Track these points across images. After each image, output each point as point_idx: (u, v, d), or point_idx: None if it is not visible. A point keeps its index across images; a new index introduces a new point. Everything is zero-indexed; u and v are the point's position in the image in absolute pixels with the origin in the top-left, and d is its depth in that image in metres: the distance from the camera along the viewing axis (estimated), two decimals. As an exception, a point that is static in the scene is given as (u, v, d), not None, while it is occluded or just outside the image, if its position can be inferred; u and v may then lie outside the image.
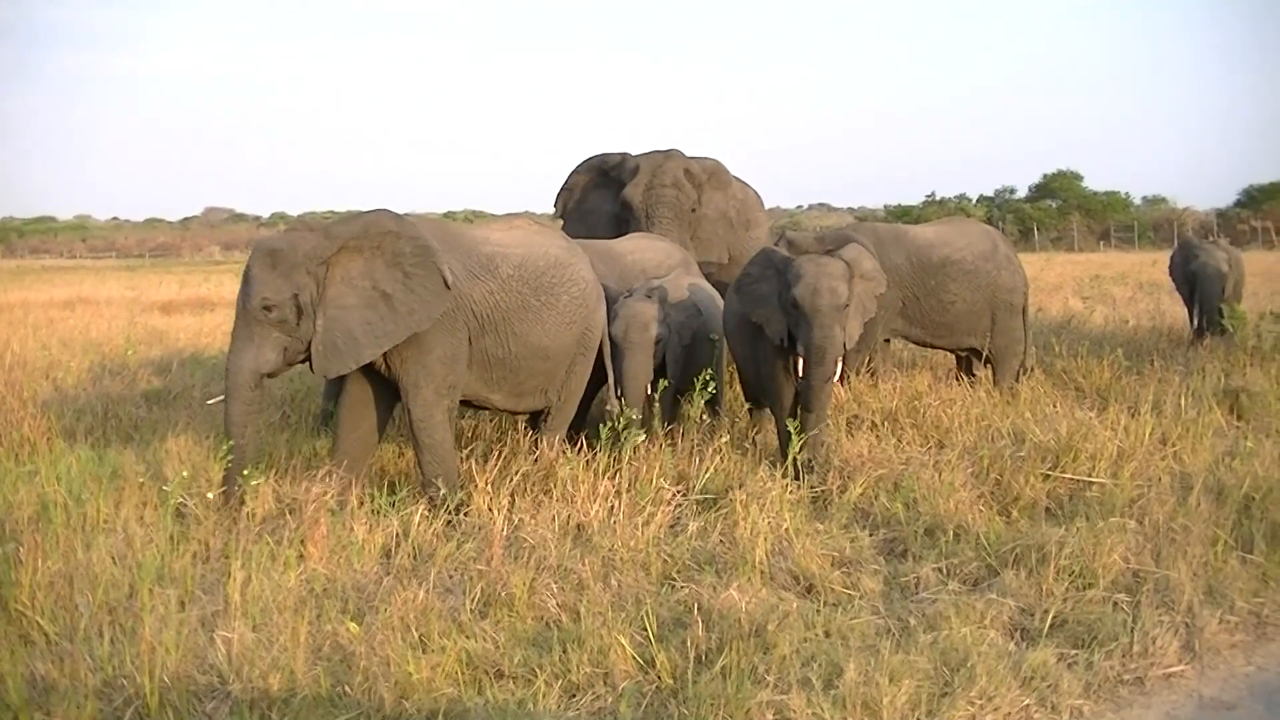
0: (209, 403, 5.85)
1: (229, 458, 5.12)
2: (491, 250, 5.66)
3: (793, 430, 5.77)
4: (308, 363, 5.27)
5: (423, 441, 5.44)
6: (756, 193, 10.01)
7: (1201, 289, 9.67)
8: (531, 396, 5.99)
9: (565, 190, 9.71)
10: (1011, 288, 7.95)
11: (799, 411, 5.97)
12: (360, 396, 5.56)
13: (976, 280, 7.79)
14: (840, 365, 5.99)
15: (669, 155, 9.22)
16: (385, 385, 5.55)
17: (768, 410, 6.79)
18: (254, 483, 5.09)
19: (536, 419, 6.35)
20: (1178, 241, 10.59)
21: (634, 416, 5.84)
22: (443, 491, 5.34)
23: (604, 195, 9.46)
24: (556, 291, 5.82)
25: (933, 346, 8.24)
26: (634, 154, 9.37)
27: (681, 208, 9.00)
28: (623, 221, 9.14)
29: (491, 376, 5.69)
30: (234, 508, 5.07)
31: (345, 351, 5.18)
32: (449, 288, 5.25)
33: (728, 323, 6.86)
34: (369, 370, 5.47)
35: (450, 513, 5.22)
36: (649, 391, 6.54)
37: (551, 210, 9.98)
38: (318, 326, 5.14)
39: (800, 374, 5.89)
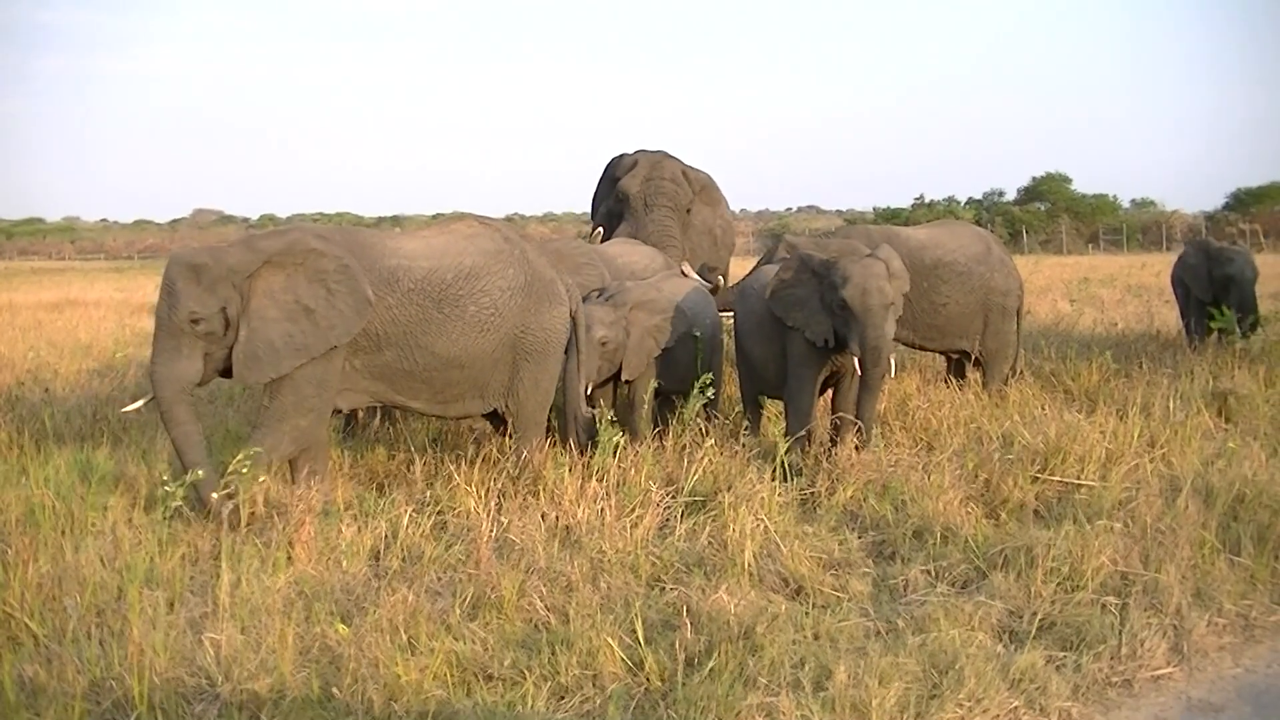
0: (125, 409, 5.86)
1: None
2: (396, 264, 5.58)
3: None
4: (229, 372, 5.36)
5: (255, 436, 5.37)
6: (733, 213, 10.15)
7: (1241, 293, 9.71)
8: (461, 402, 5.89)
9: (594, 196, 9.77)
10: (1005, 290, 7.94)
11: (856, 404, 6.30)
12: None
13: (969, 283, 7.78)
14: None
15: (666, 155, 9.22)
16: None
17: (764, 410, 6.80)
18: (261, 480, 5.11)
19: (498, 422, 6.25)
20: (1192, 245, 10.41)
21: (575, 414, 5.95)
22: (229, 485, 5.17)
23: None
24: (463, 303, 5.67)
25: (924, 349, 8.22)
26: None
27: (679, 203, 8.96)
28: (614, 216, 9.09)
29: (403, 386, 5.67)
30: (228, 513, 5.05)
31: (266, 361, 5.30)
32: (370, 304, 5.32)
33: (741, 324, 6.85)
34: None
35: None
36: (644, 395, 6.55)
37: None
38: (240, 337, 5.28)
39: (860, 371, 6.11)
